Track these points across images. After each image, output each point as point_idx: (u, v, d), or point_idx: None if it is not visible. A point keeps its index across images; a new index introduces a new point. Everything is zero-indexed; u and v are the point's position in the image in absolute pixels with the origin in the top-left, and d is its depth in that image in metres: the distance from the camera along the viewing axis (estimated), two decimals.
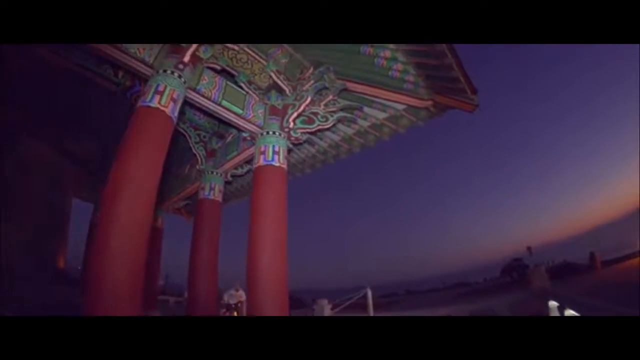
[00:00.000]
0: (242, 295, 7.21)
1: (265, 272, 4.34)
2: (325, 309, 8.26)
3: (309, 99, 5.09)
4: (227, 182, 7.10)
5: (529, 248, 23.36)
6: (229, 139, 6.65)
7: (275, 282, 4.32)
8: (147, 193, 3.63)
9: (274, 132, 5.25)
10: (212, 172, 6.71)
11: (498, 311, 7.16)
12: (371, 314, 3.97)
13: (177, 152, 8.42)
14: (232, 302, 7.32)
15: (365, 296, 4.30)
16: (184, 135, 7.08)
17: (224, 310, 7.26)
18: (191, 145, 7.09)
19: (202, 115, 7.13)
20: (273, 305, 4.20)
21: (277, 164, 5.02)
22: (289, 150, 6.97)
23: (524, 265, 23.47)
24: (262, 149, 5.12)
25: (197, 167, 6.99)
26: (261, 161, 5.04)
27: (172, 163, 9.06)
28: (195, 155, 7.03)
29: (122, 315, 2.93)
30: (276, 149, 5.11)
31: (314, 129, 5.38)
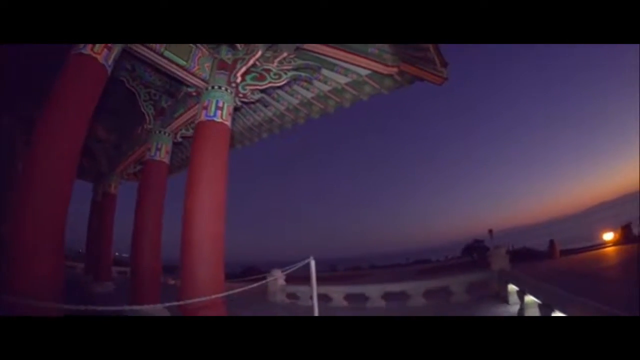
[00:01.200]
0: None
1: (201, 232, 4.13)
2: (279, 279, 8.15)
3: (259, 53, 4.70)
4: (178, 144, 6.67)
5: (490, 231, 24.25)
6: (179, 96, 6.18)
7: (211, 243, 4.13)
8: (71, 142, 3.41)
9: (219, 87, 4.86)
10: (159, 132, 6.26)
11: (455, 289, 7.20)
12: (314, 284, 3.86)
13: (135, 114, 7.85)
14: None
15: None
16: (135, 94, 6.53)
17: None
18: (140, 103, 6.57)
19: (151, 72, 6.57)
20: (208, 265, 4.03)
21: (219, 120, 4.67)
22: (240, 111, 6.57)
23: (484, 247, 24.40)
24: (205, 103, 4.75)
25: (145, 126, 6.51)
26: (203, 116, 4.69)
27: (128, 126, 8.49)
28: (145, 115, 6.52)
29: (45, 272, 2.85)
30: (220, 104, 4.74)
31: (264, 86, 5.03)
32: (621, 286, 7.46)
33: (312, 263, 3.87)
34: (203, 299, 2.98)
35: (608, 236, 19.45)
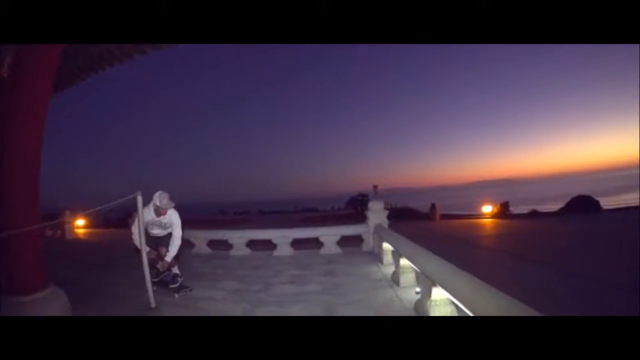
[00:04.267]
0: (173, 216, 4.35)
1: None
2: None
3: None
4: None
5: (375, 187, 25.75)
6: None
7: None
8: None
9: None
10: None
11: (325, 241, 6.80)
12: (141, 224, 3.51)
13: None
14: (155, 232, 4.42)
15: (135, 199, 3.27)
16: None
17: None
18: None
19: None
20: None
21: None
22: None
23: (367, 201, 25.94)
24: None
25: None
26: None
27: None
28: None
29: None
30: None
31: None
32: (495, 254, 8.25)
33: (139, 199, 3.39)
34: None
35: (487, 209, 22.43)
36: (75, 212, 10.89)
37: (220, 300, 4.16)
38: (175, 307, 3.91)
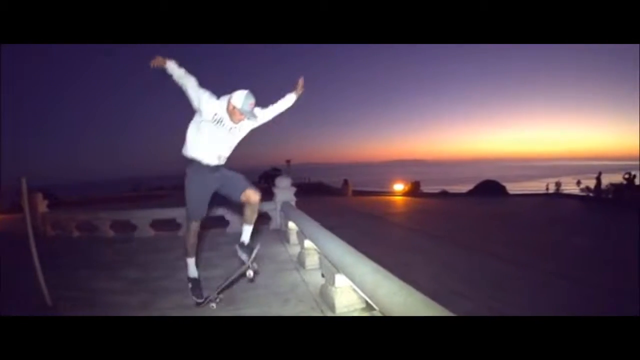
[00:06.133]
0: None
1: None
2: None
3: None
4: None
5: (288, 161, 25.55)
6: None
7: None
8: None
9: None
10: None
11: (231, 219, 6.60)
12: (26, 208, 3.24)
13: None
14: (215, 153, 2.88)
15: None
16: None
17: None
18: None
19: None
20: None
21: None
22: None
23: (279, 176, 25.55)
24: None
25: None
26: None
27: None
28: None
29: None
30: None
31: None
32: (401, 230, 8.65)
33: (24, 182, 3.22)
34: None
35: (399, 187, 23.76)
36: None
37: (119, 292, 3.70)
38: (77, 303, 3.32)
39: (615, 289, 5.08)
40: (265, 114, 2.99)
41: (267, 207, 6.56)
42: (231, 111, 2.64)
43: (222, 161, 2.88)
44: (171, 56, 2.62)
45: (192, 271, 3.12)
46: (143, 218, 6.64)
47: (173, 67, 2.60)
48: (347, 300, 2.71)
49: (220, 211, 6.48)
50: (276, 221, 6.43)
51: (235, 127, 2.78)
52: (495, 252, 5.97)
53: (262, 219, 6.67)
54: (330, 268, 2.76)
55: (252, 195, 2.89)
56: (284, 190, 6.32)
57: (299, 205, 6.10)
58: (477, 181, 23.16)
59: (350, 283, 2.37)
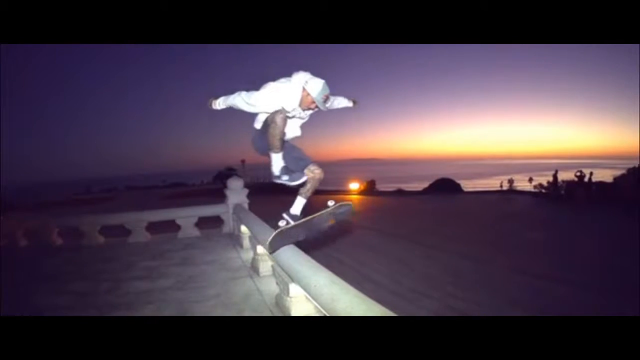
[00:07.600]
0: None
1: None
2: None
3: None
4: None
5: (242, 161, 24.87)
6: None
7: None
8: None
9: None
10: None
11: (182, 223, 6.34)
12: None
13: None
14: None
15: None
16: None
17: None
18: None
19: None
20: None
21: None
22: None
23: (235, 175, 24.80)
24: None
25: None
26: None
27: None
28: None
29: None
30: None
31: None
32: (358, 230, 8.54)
33: None
34: None
35: (354, 185, 23.77)
36: None
37: (64, 307, 3.36)
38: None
39: (567, 279, 5.31)
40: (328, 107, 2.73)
41: (218, 210, 6.18)
42: (305, 97, 2.41)
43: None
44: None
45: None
46: (91, 224, 6.01)
47: (219, 103, 2.52)
48: (303, 310, 2.50)
49: (173, 214, 6.04)
50: (229, 224, 6.06)
51: (303, 114, 2.64)
52: (452, 249, 6.09)
53: (216, 221, 6.28)
54: (284, 277, 2.53)
55: None
56: (237, 192, 5.95)
57: (253, 205, 5.78)
58: (433, 179, 23.80)
59: (305, 293, 2.16)
